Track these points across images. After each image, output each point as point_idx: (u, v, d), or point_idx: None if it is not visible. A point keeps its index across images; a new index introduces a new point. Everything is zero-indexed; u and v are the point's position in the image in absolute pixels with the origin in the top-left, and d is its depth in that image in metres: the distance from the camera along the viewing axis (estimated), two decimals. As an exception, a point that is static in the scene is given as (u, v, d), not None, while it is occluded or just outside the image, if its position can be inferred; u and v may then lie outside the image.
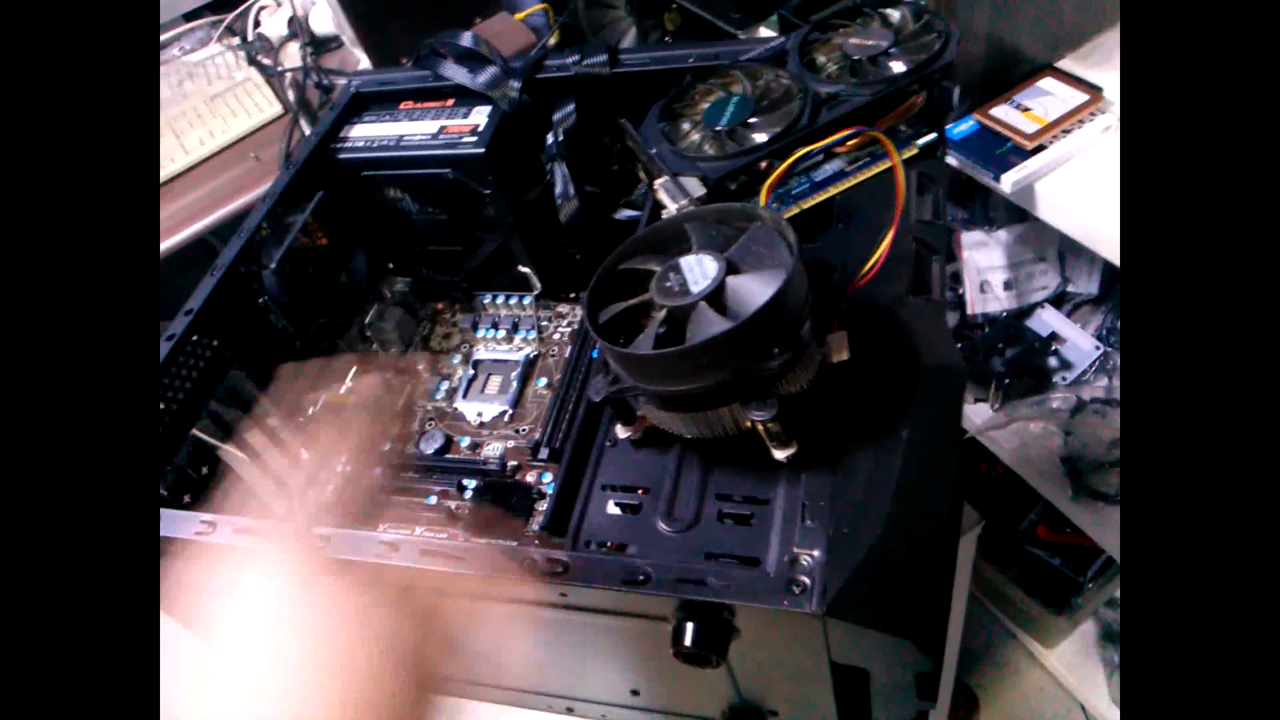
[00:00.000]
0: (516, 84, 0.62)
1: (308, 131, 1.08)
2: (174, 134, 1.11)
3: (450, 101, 0.65)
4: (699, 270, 0.40)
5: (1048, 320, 1.09)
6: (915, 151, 0.52)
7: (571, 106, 0.62)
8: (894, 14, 0.54)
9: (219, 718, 0.31)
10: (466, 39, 0.64)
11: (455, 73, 0.64)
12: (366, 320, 0.68)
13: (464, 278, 0.70)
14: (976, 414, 1.06)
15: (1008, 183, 0.76)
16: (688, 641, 0.38)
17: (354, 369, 0.65)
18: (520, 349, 0.67)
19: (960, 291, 1.10)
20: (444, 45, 0.66)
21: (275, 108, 1.12)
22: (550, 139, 0.62)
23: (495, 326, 0.69)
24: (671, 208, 0.49)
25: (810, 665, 0.41)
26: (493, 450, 0.61)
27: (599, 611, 0.41)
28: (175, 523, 0.44)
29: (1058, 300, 1.11)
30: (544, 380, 0.65)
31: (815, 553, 0.37)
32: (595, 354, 0.61)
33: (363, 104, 0.68)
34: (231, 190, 1.05)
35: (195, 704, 0.31)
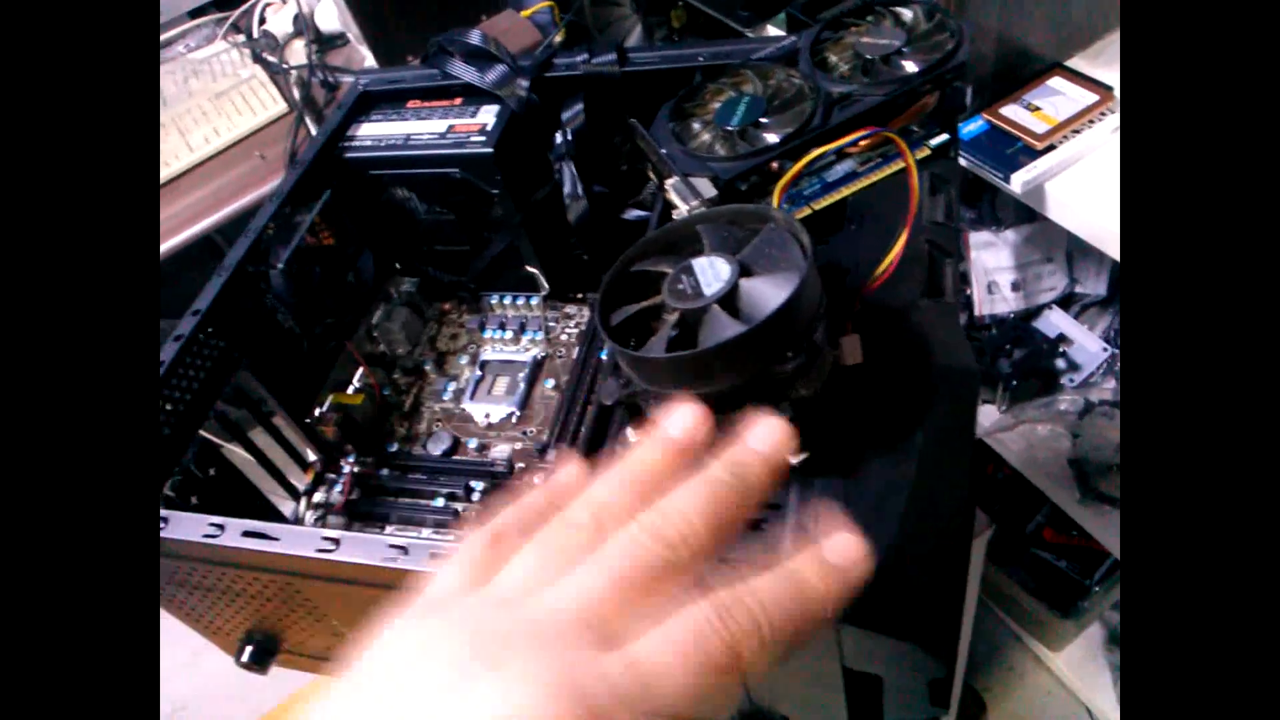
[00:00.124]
0: (525, 83, 0.62)
1: (313, 130, 1.08)
2: (179, 132, 1.10)
3: (458, 100, 0.64)
4: (711, 272, 0.39)
5: (1055, 322, 1.09)
6: (928, 152, 0.51)
7: (580, 106, 0.62)
8: (906, 13, 0.53)
9: None
10: (475, 37, 0.64)
11: (463, 71, 0.64)
12: (373, 320, 0.68)
13: (471, 278, 0.69)
14: (984, 416, 1.06)
15: (1017, 183, 0.76)
16: (699, 647, 0.38)
17: (361, 369, 0.65)
18: (528, 350, 0.67)
19: (968, 292, 1.10)
20: (452, 43, 0.65)
21: (280, 106, 1.12)
22: (558, 138, 0.62)
23: (503, 327, 0.68)
24: (682, 208, 0.49)
25: (822, 671, 0.40)
26: (500, 452, 0.61)
27: (609, 616, 0.41)
28: (182, 524, 0.44)
29: (1066, 301, 1.11)
30: (551, 381, 0.64)
31: (828, 558, 0.37)
32: (603, 355, 0.61)
33: (370, 103, 0.67)
34: (236, 189, 1.05)
35: None
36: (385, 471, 0.61)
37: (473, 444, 0.62)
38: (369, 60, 1.12)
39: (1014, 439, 1.04)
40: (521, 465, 0.59)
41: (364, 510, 0.60)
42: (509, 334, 0.68)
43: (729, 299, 0.38)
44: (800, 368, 0.38)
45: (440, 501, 0.58)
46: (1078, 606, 1.18)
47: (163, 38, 1.28)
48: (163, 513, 0.44)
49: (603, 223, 0.62)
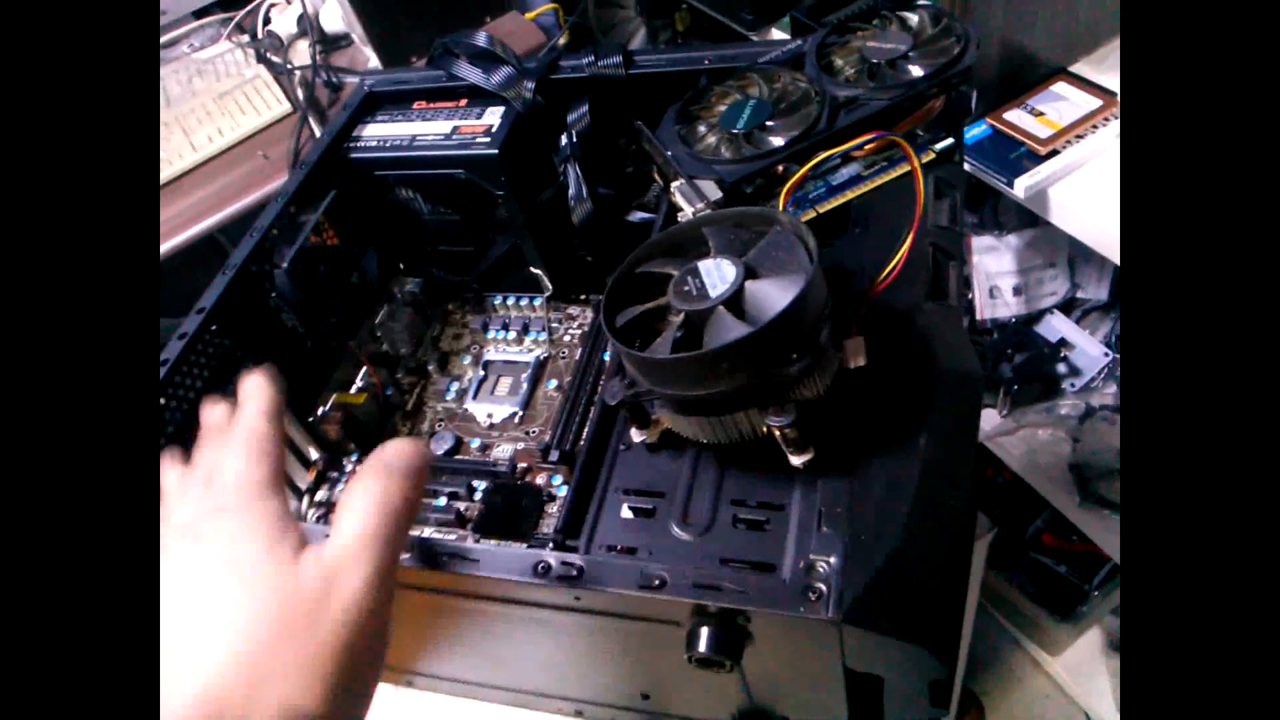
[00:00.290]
0: (530, 84, 0.62)
1: (316, 130, 1.08)
2: (182, 131, 1.11)
3: (463, 102, 0.64)
4: (717, 274, 0.39)
5: (1057, 326, 1.09)
6: (933, 156, 0.51)
7: (585, 108, 0.62)
8: (912, 17, 0.53)
9: None
10: (481, 39, 0.64)
11: (469, 73, 0.64)
12: (377, 320, 0.68)
13: (475, 279, 0.70)
14: (984, 420, 1.06)
15: (1020, 188, 0.76)
16: (702, 647, 0.38)
17: (365, 369, 0.65)
18: (531, 350, 0.67)
19: (969, 296, 1.10)
20: (458, 45, 0.65)
21: (284, 106, 1.12)
22: (564, 140, 0.62)
23: (506, 328, 0.68)
24: (687, 210, 0.49)
25: (824, 671, 0.40)
26: (502, 452, 0.61)
27: (612, 615, 0.41)
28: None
29: (1067, 306, 1.11)
30: (554, 382, 0.64)
31: (831, 559, 0.37)
32: (606, 356, 0.61)
33: (376, 103, 0.67)
34: (239, 188, 1.05)
35: None
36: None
37: (475, 444, 0.62)
38: (373, 61, 1.13)
39: (1014, 443, 1.05)
40: (524, 465, 0.59)
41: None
42: (512, 334, 0.68)
43: (734, 301, 0.38)
44: (805, 370, 0.38)
45: (442, 501, 0.58)
46: (1076, 611, 1.18)
47: (167, 37, 1.28)
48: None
49: (607, 224, 0.62)
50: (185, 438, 0.52)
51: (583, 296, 0.69)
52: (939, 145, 0.51)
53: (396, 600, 0.34)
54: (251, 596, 0.31)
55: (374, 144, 0.64)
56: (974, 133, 0.81)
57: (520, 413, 0.63)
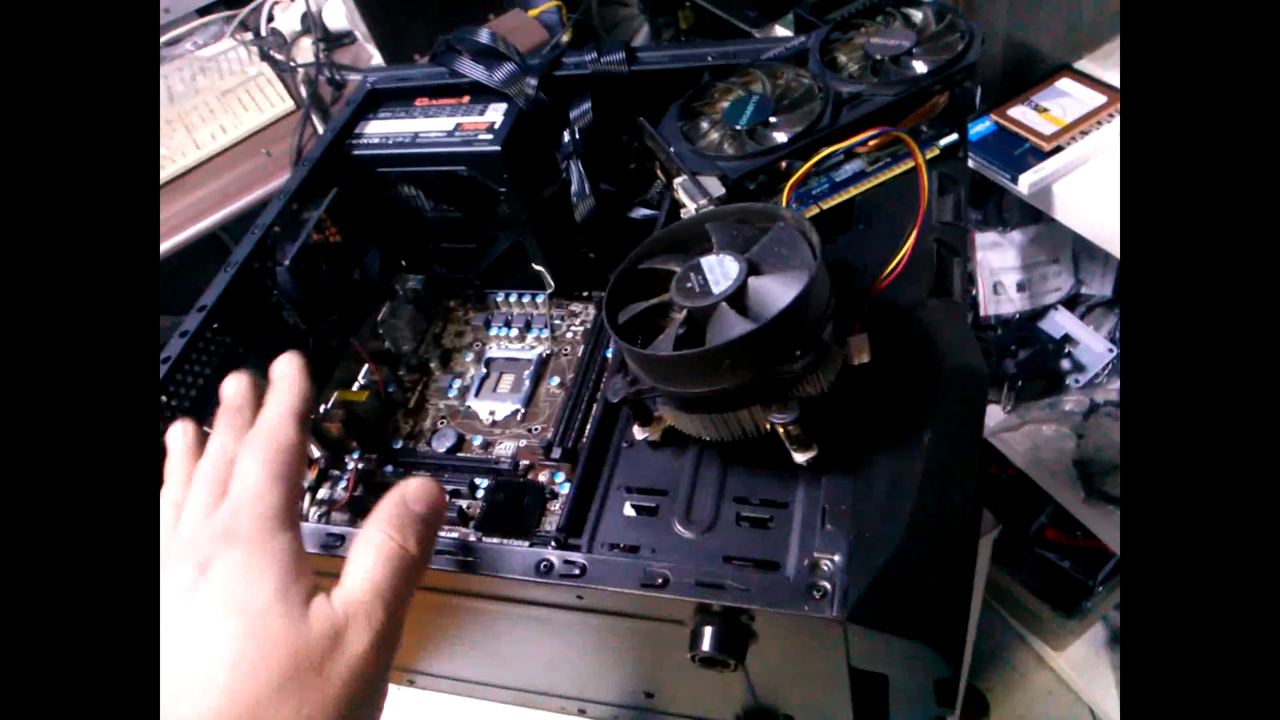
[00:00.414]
0: (533, 81, 0.62)
1: (319, 127, 1.08)
2: (185, 129, 1.11)
3: (466, 99, 0.64)
4: (720, 271, 0.39)
5: (1061, 322, 1.09)
6: (937, 152, 0.51)
7: (588, 104, 0.62)
8: (916, 13, 0.53)
9: None
10: (484, 36, 0.64)
11: (472, 69, 0.64)
12: (379, 318, 0.68)
13: (477, 275, 0.69)
14: (988, 416, 1.05)
15: (1025, 184, 0.76)
16: (705, 646, 0.38)
17: (367, 366, 0.65)
18: (533, 348, 0.67)
19: (973, 293, 1.10)
20: (460, 42, 0.65)
21: (287, 103, 1.12)
22: (566, 137, 0.62)
23: (508, 325, 0.68)
24: (690, 207, 0.49)
25: (829, 670, 0.40)
26: (505, 449, 0.61)
27: (615, 614, 0.41)
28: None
29: (1071, 302, 1.11)
30: (556, 379, 0.64)
31: (836, 557, 0.37)
32: (608, 353, 0.61)
33: (378, 100, 0.67)
34: (242, 186, 1.05)
35: None
36: (389, 468, 0.61)
37: (477, 441, 0.62)
38: (376, 59, 1.12)
39: (1019, 439, 1.04)
40: (526, 463, 0.59)
41: (368, 507, 0.60)
42: (514, 331, 0.68)
43: (738, 297, 0.38)
44: (808, 366, 0.38)
45: (445, 499, 0.58)
46: (1081, 606, 1.18)
47: (170, 35, 1.28)
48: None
49: (609, 221, 0.62)
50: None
51: (585, 293, 0.69)
52: (943, 141, 0.51)
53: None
54: (257, 646, 0.30)
55: (376, 141, 0.64)
56: (978, 129, 0.80)
57: (522, 410, 0.63)
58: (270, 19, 1.24)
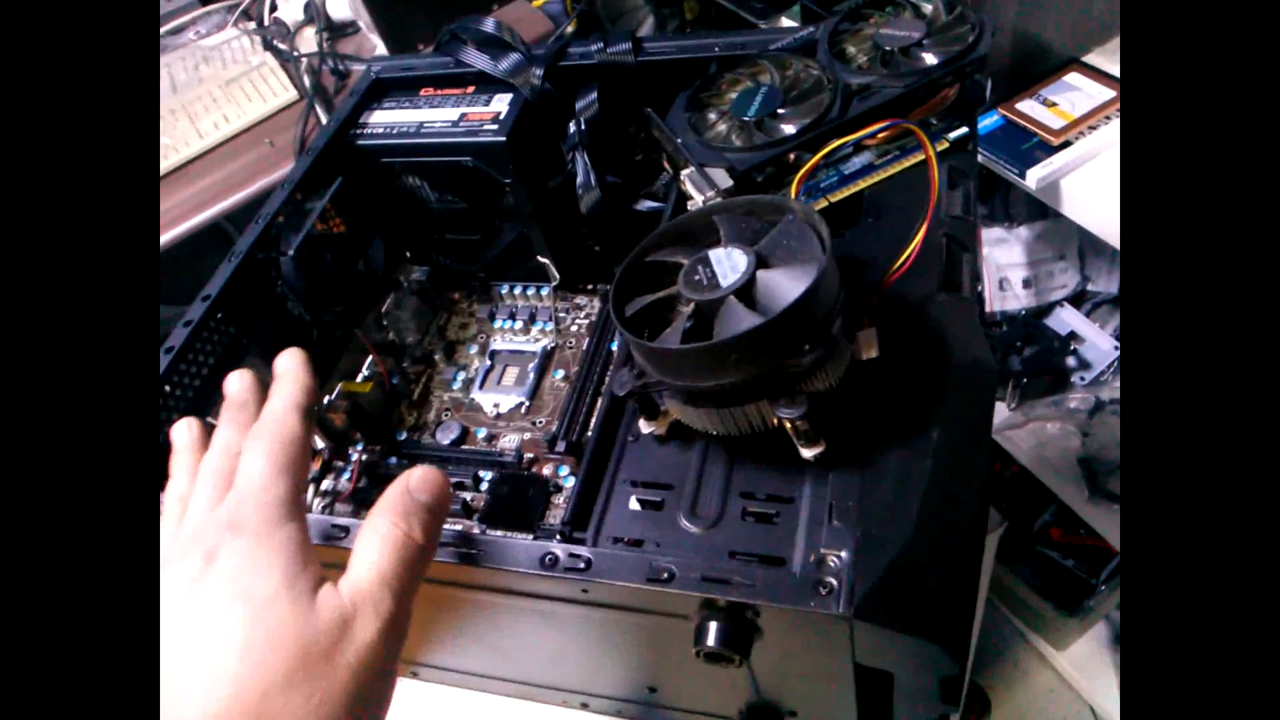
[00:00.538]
0: (539, 71, 0.61)
1: (323, 117, 1.07)
2: (189, 118, 1.10)
3: (471, 89, 0.64)
4: (728, 264, 0.39)
5: (1067, 319, 1.08)
6: (946, 145, 0.51)
7: (594, 95, 0.61)
8: (926, 5, 0.53)
9: None
10: (489, 25, 0.64)
11: (477, 59, 0.63)
12: (383, 309, 0.67)
13: (482, 267, 0.69)
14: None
15: (1033, 179, 0.75)
16: (710, 641, 0.37)
17: (371, 358, 0.64)
18: (538, 340, 0.66)
19: (979, 288, 1.09)
20: (465, 31, 0.65)
21: (290, 93, 1.11)
22: (572, 127, 0.62)
23: (513, 317, 0.68)
24: (697, 199, 0.48)
25: (833, 666, 0.40)
26: (509, 442, 0.61)
27: (619, 608, 0.41)
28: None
29: (1077, 299, 1.10)
30: (561, 372, 0.64)
31: (843, 554, 0.37)
32: (614, 346, 0.60)
33: (383, 90, 0.67)
34: (245, 176, 1.05)
35: None
36: (393, 460, 0.61)
37: (481, 434, 0.61)
38: (379, 48, 1.12)
39: (1023, 436, 1.04)
40: (530, 456, 0.59)
41: (372, 498, 0.59)
42: (519, 324, 0.68)
43: (746, 290, 0.38)
44: (817, 361, 0.38)
45: (449, 491, 0.58)
46: (1083, 605, 1.18)
47: (174, 24, 1.28)
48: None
49: (615, 213, 0.61)
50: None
51: (590, 286, 0.68)
52: (953, 134, 0.51)
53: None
54: (264, 636, 0.30)
55: (381, 131, 0.63)
56: (986, 123, 0.80)
57: (527, 403, 0.62)
58: (273, 8, 1.23)
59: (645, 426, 0.44)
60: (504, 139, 0.59)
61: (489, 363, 0.66)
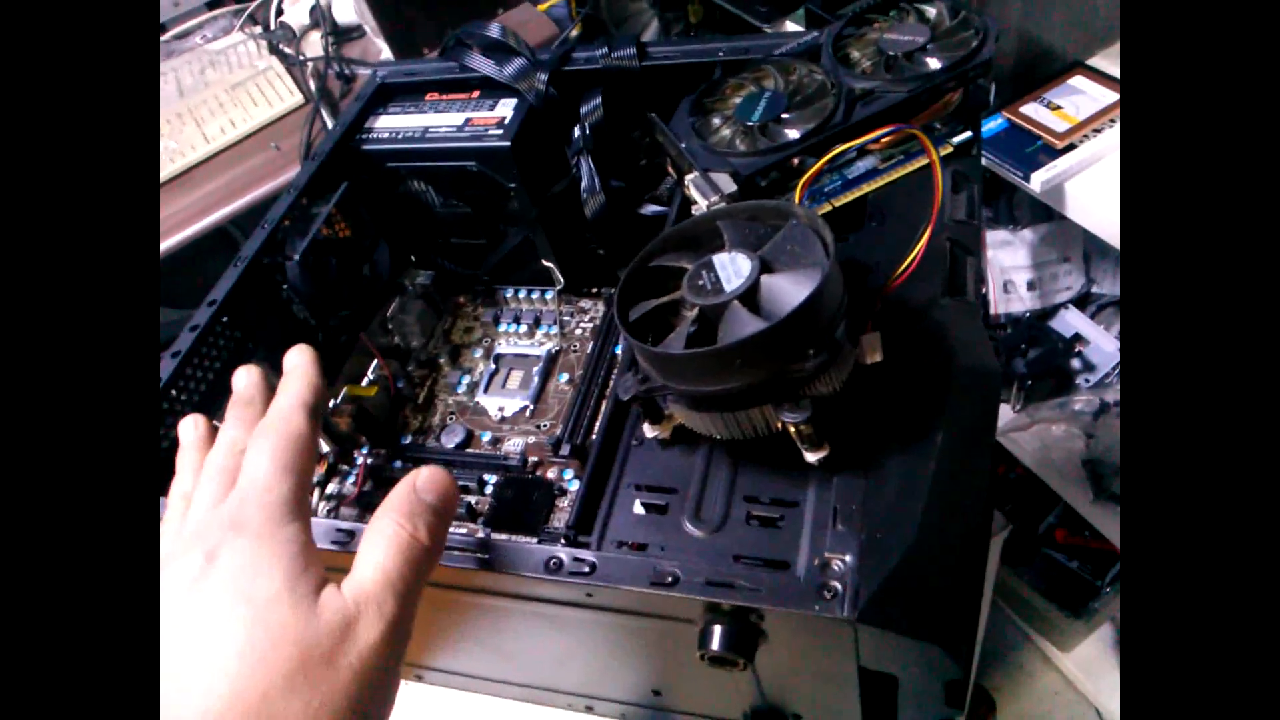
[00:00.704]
0: (543, 76, 0.61)
1: (328, 122, 1.07)
2: (195, 122, 1.11)
3: (476, 93, 0.64)
4: (732, 268, 0.39)
5: (1071, 322, 1.08)
6: (950, 149, 0.51)
7: (598, 100, 0.61)
8: (930, 9, 0.53)
9: None
10: (494, 30, 0.64)
11: (482, 64, 0.63)
12: (388, 313, 0.68)
13: (486, 271, 0.69)
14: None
15: (1037, 182, 0.75)
16: (715, 645, 0.38)
17: (376, 361, 0.65)
18: (542, 344, 0.66)
19: (983, 291, 1.09)
20: (470, 36, 0.65)
21: (296, 97, 1.11)
22: (576, 132, 0.62)
23: (517, 321, 0.68)
24: (702, 204, 0.48)
25: (838, 670, 0.40)
26: (514, 446, 0.61)
27: (624, 612, 0.41)
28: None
29: (1082, 301, 1.10)
30: (565, 376, 0.64)
31: (847, 558, 0.37)
32: (618, 350, 0.61)
33: (388, 95, 0.67)
34: (251, 180, 1.05)
35: None
36: (398, 463, 0.61)
37: (486, 437, 0.62)
38: (385, 53, 1.12)
39: (1028, 439, 1.04)
40: (535, 459, 0.59)
41: (377, 502, 0.60)
42: (523, 328, 0.68)
43: (750, 295, 0.38)
44: (821, 365, 0.38)
45: (454, 495, 0.58)
46: (1088, 607, 1.18)
47: (180, 29, 1.28)
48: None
49: (619, 217, 0.62)
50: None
51: (594, 290, 0.68)
52: (957, 138, 0.51)
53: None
54: (265, 637, 0.29)
55: (386, 136, 0.64)
56: (990, 126, 0.80)
57: (531, 406, 0.63)
58: (279, 13, 1.23)
59: (649, 430, 0.44)
60: (509, 144, 0.59)
61: (493, 366, 0.66)
